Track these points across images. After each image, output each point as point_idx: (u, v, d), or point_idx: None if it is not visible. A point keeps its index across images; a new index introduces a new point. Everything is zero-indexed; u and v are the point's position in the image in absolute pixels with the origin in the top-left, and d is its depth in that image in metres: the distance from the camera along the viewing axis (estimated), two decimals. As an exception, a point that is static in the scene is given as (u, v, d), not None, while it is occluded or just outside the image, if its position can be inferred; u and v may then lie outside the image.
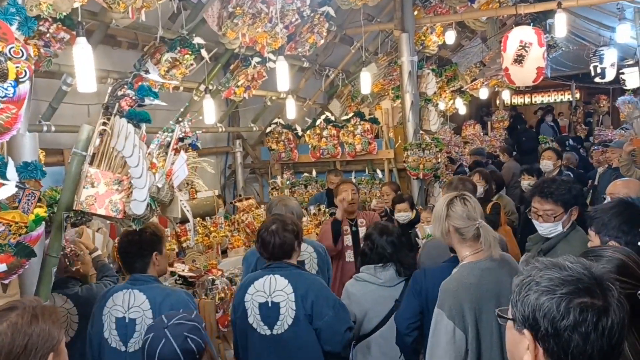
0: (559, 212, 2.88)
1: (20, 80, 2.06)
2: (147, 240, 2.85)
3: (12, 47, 2.04)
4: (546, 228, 2.92)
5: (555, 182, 2.96)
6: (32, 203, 2.18)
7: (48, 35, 3.68)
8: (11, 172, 2.12)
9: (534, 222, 2.99)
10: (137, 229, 2.70)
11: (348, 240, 4.79)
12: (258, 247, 3.09)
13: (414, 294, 2.92)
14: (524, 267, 1.30)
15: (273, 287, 2.97)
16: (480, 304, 2.46)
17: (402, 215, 5.14)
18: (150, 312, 2.75)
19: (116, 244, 4.06)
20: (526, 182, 6.05)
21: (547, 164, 6.44)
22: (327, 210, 5.98)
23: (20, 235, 2.16)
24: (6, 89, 2.04)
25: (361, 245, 4.57)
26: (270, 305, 2.95)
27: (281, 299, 2.94)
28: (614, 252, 1.71)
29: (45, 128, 4.53)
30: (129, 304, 2.79)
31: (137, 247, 2.84)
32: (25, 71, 2.07)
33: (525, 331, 1.23)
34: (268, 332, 2.96)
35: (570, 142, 10.95)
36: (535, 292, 1.22)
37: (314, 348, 2.97)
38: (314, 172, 7.21)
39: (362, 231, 4.72)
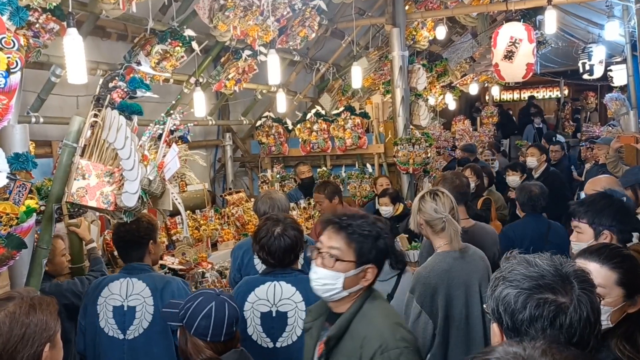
0: (347, 258, 1.89)
1: (12, 70, 2.05)
2: (144, 229, 2.89)
3: (4, 38, 2.03)
4: (318, 277, 1.92)
5: (364, 218, 1.98)
6: (23, 194, 2.17)
7: (37, 25, 3.64)
8: (2, 163, 2.11)
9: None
10: (123, 221, 2.73)
11: None
12: (262, 254, 2.76)
13: (506, 246, 3.59)
14: (502, 264, 1.33)
15: (279, 295, 2.71)
16: (451, 290, 2.73)
17: (384, 209, 5.11)
18: (152, 298, 2.79)
19: (106, 237, 4.06)
20: (511, 178, 6.10)
21: (531, 160, 6.52)
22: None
23: (11, 226, 2.15)
24: (-3, 80, 2.03)
25: None
26: (274, 315, 2.71)
27: (289, 308, 2.70)
28: None
29: (33, 119, 4.48)
30: (127, 292, 2.81)
31: (135, 235, 2.88)
32: (16, 62, 2.06)
33: (495, 324, 1.28)
34: (271, 345, 2.71)
35: (557, 137, 11.09)
36: (502, 286, 1.26)
37: None
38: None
39: None
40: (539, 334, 1.18)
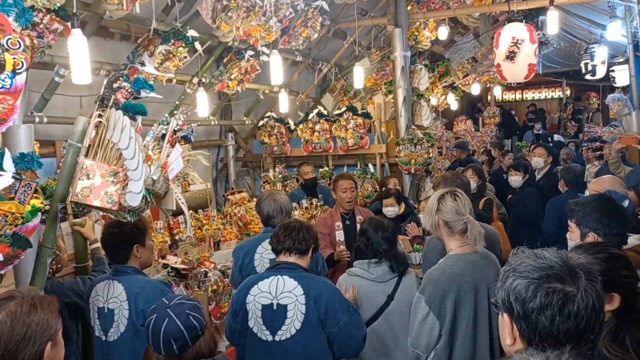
0: None
1: (18, 71, 2.07)
2: (126, 233, 2.89)
3: (10, 39, 2.05)
4: None
5: None
6: (28, 194, 2.19)
7: (41, 26, 3.67)
8: (8, 163, 2.13)
9: None
10: (127, 221, 2.73)
11: (340, 235, 4.68)
12: (273, 238, 2.93)
13: (554, 213, 4.93)
14: (510, 259, 1.40)
15: (280, 288, 2.76)
16: (461, 293, 2.69)
17: (389, 210, 5.13)
18: (127, 303, 2.79)
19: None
20: (513, 178, 6.11)
21: (537, 161, 6.51)
22: (319, 204, 6.02)
23: (16, 226, 2.17)
24: (3, 80, 2.05)
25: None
26: (275, 307, 2.75)
27: (289, 301, 2.73)
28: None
29: (37, 119, 4.51)
30: (108, 294, 2.84)
31: (117, 239, 2.89)
32: (22, 62, 2.07)
33: (505, 314, 1.35)
34: (270, 338, 2.75)
35: (555, 137, 11.11)
36: (512, 277, 1.33)
37: (323, 357, 2.78)
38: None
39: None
40: (548, 321, 1.26)
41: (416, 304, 2.76)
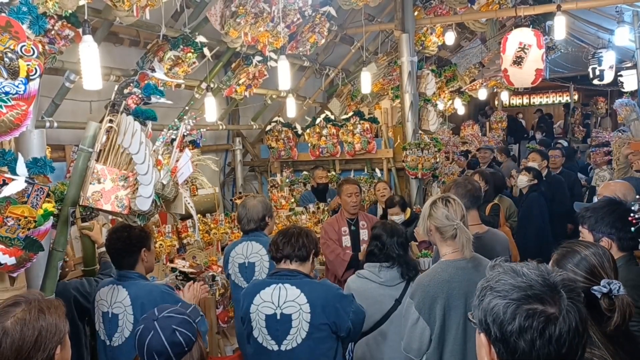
0: None
1: (31, 77, 2.11)
2: (135, 237, 2.87)
3: (24, 46, 2.09)
4: None
5: None
6: (40, 198, 2.22)
7: (53, 32, 3.71)
8: (21, 167, 2.16)
9: None
10: (136, 225, 2.75)
11: (347, 240, 4.68)
12: (272, 245, 2.89)
13: None
14: (488, 272, 1.30)
15: (283, 298, 2.73)
16: (450, 300, 2.68)
17: (395, 218, 5.15)
18: (131, 308, 2.78)
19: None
20: (520, 177, 6.09)
21: (532, 165, 6.51)
22: (326, 208, 6.03)
23: (28, 229, 2.20)
24: (17, 86, 2.09)
25: (361, 246, 4.58)
26: (279, 317, 2.73)
27: (293, 311, 2.71)
28: (588, 254, 1.83)
29: (47, 124, 4.55)
30: (112, 299, 2.83)
31: (126, 243, 2.86)
32: (35, 69, 2.11)
33: (482, 334, 1.25)
34: (275, 348, 2.74)
35: (559, 142, 11.07)
36: (489, 296, 1.22)
37: None
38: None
39: (363, 233, 4.65)
40: (528, 346, 1.16)
41: (407, 309, 2.76)
